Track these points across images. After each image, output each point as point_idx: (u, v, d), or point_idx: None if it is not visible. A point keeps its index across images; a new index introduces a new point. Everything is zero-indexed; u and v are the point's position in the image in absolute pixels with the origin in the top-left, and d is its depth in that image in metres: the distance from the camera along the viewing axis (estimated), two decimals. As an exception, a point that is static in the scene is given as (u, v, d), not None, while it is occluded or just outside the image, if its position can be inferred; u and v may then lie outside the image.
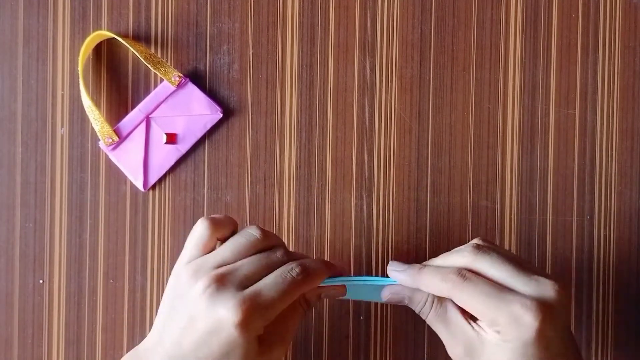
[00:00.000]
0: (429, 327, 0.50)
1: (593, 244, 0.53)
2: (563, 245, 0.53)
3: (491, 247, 0.43)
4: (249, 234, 0.43)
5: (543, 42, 0.54)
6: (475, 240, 0.43)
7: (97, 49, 0.54)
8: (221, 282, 0.40)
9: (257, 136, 0.54)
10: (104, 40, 0.53)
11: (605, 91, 0.54)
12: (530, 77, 0.54)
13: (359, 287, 0.46)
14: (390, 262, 0.45)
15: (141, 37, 0.54)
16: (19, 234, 0.53)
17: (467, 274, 0.41)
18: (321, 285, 0.45)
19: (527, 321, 0.38)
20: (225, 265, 0.42)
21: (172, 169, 0.53)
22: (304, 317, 0.47)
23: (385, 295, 0.45)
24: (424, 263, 0.45)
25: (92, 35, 0.52)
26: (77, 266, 0.53)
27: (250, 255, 0.43)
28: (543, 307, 0.39)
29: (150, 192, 0.53)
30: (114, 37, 0.53)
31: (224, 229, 0.44)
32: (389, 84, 0.54)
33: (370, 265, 0.53)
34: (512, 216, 0.53)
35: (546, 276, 0.41)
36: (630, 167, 0.54)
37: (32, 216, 0.53)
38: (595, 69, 0.54)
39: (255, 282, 0.41)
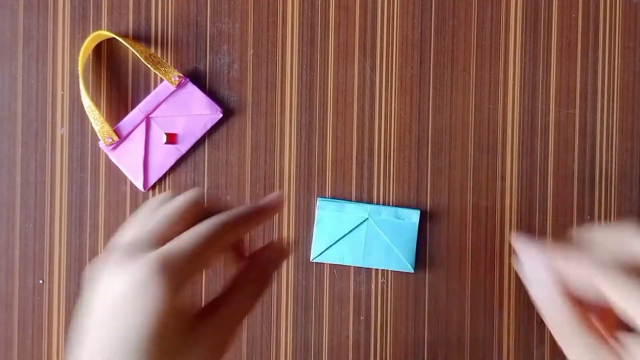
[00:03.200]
0: (429, 327, 0.50)
1: (593, 244, 0.53)
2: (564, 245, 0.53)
3: None
4: (181, 203, 0.36)
5: (543, 42, 0.54)
6: None
7: (97, 49, 0.54)
8: (131, 249, 0.33)
9: (257, 136, 0.54)
10: (104, 40, 0.53)
11: (605, 91, 0.54)
12: (530, 77, 0.54)
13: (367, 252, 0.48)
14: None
15: (141, 37, 0.54)
16: (19, 234, 0.53)
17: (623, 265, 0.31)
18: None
19: None
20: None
21: (172, 169, 0.53)
22: (256, 298, 0.37)
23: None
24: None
25: (92, 35, 0.52)
26: (77, 266, 0.53)
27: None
28: None
29: (150, 192, 0.53)
30: (114, 37, 0.53)
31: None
32: (389, 84, 0.54)
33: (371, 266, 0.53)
34: (512, 216, 0.53)
35: None
36: (630, 167, 0.54)
37: (32, 216, 0.53)
38: (595, 69, 0.54)
39: (170, 237, 0.34)
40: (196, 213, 0.35)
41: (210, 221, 0.34)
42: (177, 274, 0.32)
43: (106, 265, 0.33)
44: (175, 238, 0.33)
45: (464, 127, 0.54)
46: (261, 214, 0.37)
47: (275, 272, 0.41)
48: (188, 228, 0.34)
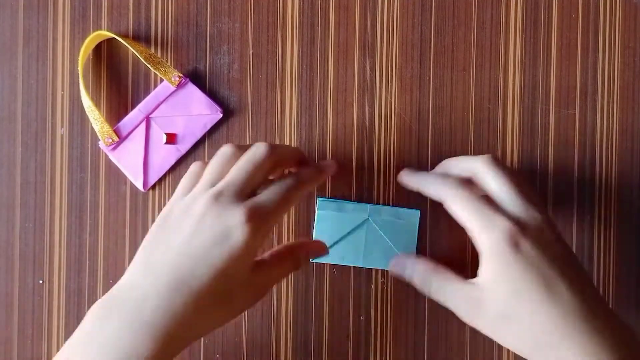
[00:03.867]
0: (429, 327, 0.51)
1: (593, 244, 0.53)
2: (563, 245, 0.53)
3: (503, 165, 0.45)
4: (258, 156, 0.44)
5: (543, 42, 0.54)
6: (492, 156, 0.45)
7: (97, 49, 0.54)
8: (218, 197, 0.41)
9: (257, 136, 0.54)
10: (104, 40, 0.53)
11: (605, 91, 0.54)
12: (530, 77, 0.54)
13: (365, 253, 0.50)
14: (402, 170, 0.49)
15: (141, 37, 0.54)
16: (19, 234, 0.53)
17: (464, 184, 0.44)
18: (310, 244, 0.50)
19: (501, 225, 0.41)
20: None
21: (172, 169, 0.53)
22: (289, 271, 0.48)
23: (391, 265, 0.48)
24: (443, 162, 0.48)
25: (92, 35, 0.52)
26: (77, 266, 0.53)
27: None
28: (521, 220, 0.42)
29: (150, 192, 0.53)
30: (114, 37, 0.53)
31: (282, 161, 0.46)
32: (389, 84, 0.54)
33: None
34: (512, 216, 0.53)
35: (538, 208, 0.43)
36: (630, 167, 0.54)
37: (32, 216, 0.53)
38: (595, 69, 0.54)
39: (250, 190, 0.43)
40: (269, 166, 0.43)
41: (287, 182, 0.43)
42: (259, 225, 0.40)
43: (198, 204, 0.41)
44: (261, 194, 0.42)
45: (464, 127, 0.54)
46: (322, 174, 0.48)
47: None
48: (263, 179, 0.44)
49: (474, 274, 0.43)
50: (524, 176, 0.52)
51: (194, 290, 0.39)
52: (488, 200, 0.43)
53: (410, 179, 0.48)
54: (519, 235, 0.41)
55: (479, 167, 0.44)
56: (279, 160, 0.45)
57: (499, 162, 0.44)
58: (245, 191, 0.42)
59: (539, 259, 0.41)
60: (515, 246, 0.41)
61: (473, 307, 0.42)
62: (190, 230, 0.41)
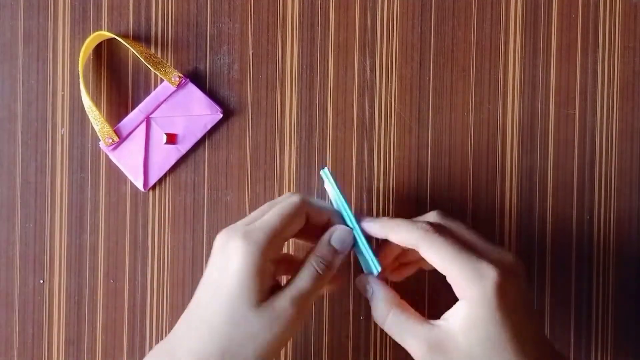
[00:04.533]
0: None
1: (593, 244, 0.53)
2: (563, 245, 0.53)
3: (442, 231, 0.43)
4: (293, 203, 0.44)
5: (543, 42, 0.54)
6: (429, 224, 0.43)
7: (97, 49, 0.54)
8: (230, 229, 0.43)
9: (257, 136, 0.54)
10: (104, 40, 0.53)
11: (605, 91, 0.54)
12: (530, 77, 0.54)
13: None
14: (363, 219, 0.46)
15: (141, 38, 0.54)
16: (19, 234, 0.53)
17: (438, 227, 0.42)
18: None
19: (491, 275, 0.40)
20: None
21: (172, 169, 0.53)
22: (321, 279, 0.44)
23: (356, 281, 0.47)
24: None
25: (92, 35, 0.52)
26: (77, 266, 0.53)
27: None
28: (504, 267, 0.41)
29: (150, 192, 0.53)
30: (114, 38, 0.53)
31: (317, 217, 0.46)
32: (389, 84, 0.54)
33: (370, 265, 0.53)
34: (512, 216, 0.53)
35: (505, 250, 0.44)
36: (630, 167, 0.54)
37: (32, 216, 0.53)
38: (595, 69, 0.54)
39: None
40: (300, 217, 0.44)
41: (283, 205, 0.43)
42: (253, 241, 0.41)
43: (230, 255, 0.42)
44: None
45: (464, 127, 0.54)
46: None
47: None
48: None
49: (430, 314, 0.44)
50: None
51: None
52: (465, 244, 0.42)
53: (375, 227, 0.45)
54: (507, 284, 0.40)
55: (434, 218, 0.44)
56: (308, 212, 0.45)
57: (435, 228, 0.43)
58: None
59: (518, 310, 0.41)
60: (503, 297, 0.40)
61: (433, 351, 0.41)
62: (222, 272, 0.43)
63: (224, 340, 0.41)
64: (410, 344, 0.42)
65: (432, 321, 0.42)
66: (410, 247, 0.43)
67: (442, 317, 0.42)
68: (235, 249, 0.41)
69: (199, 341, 0.41)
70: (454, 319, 0.41)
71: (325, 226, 0.45)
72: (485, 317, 0.40)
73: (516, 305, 0.41)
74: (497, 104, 0.54)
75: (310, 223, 0.45)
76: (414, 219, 0.45)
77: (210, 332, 0.41)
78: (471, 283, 0.40)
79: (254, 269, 0.41)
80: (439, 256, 0.41)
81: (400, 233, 0.43)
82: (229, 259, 0.41)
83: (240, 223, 0.44)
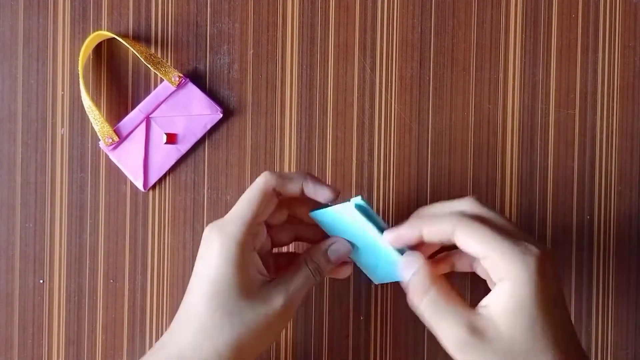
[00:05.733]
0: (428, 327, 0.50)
1: (593, 243, 0.53)
2: (563, 245, 0.53)
3: (487, 205, 0.42)
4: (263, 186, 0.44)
5: (543, 42, 0.54)
6: (474, 197, 0.42)
7: (97, 49, 0.54)
8: (213, 223, 0.43)
9: (257, 136, 0.54)
10: (104, 40, 0.53)
11: (605, 91, 0.54)
12: (530, 77, 0.54)
13: (367, 253, 0.44)
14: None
15: (141, 37, 0.54)
16: (19, 234, 0.53)
17: (471, 215, 0.40)
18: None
19: (534, 251, 0.38)
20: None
21: (172, 169, 0.53)
22: (313, 281, 0.45)
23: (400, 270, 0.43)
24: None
25: (92, 35, 0.52)
26: (77, 266, 0.53)
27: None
28: (544, 249, 0.39)
29: (150, 192, 0.53)
30: (114, 37, 0.53)
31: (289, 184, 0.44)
32: (389, 84, 0.54)
33: (370, 265, 0.53)
34: (512, 216, 0.53)
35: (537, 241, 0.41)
36: (630, 167, 0.54)
37: (32, 216, 0.53)
38: (595, 69, 0.54)
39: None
40: (268, 196, 0.44)
41: (249, 191, 0.43)
42: (227, 234, 0.42)
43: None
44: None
45: (464, 127, 0.54)
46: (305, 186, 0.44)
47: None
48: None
49: (473, 273, 0.43)
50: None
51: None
52: (503, 230, 0.39)
53: (403, 229, 0.42)
54: (548, 265, 0.38)
55: (471, 208, 0.41)
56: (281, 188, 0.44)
57: (484, 203, 0.41)
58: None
59: (557, 298, 0.39)
60: (544, 278, 0.38)
61: (471, 338, 0.38)
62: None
63: (213, 330, 0.41)
64: (446, 329, 0.39)
65: (472, 308, 0.40)
66: (445, 240, 0.40)
67: (480, 304, 0.39)
68: (214, 243, 0.42)
69: (188, 333, 0.42)
70: (496, 304, 0.38)
71: (302, 196, 0.44)
72: (529, 296, 0.37)
73: (555, 291, 0.39)
74: (497, 104, 0.54)
75: (285, 197, 0.45)
76: (447, 202, 0.43)
77: (200, 323, 0.42)
78: (514, 260, 0.37)
79: (233, 260, 0.42)
80: (478, 239, 0.39)
81: (436, 225, 0.40)
82: (211, 253, 0.42)
83: (224, 217, 0.44)
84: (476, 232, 0.39)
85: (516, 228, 0.40)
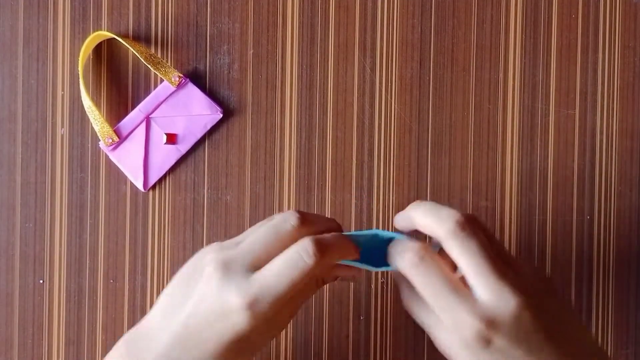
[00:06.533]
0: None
1: (593, 244, 0.53)
2: (563, 245, 0.53)
3: (474, 231, 0.37)
4: (284, 225, 0.39)
5: (543, 42, 0.54)
6: (462, 218, 0.37)
7: (97, 49, 0.54)
8: (228, 266, 0.38)
9: (257, 136, 0.54)
10: (104, 40, 0.53)
11: (605, 91, 0.54)
12: (530, 77, 0.54)
13: (370, 251, 0.42)
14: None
15: (141, 37, 0.54)
16: (19, 234, 0.53)
17: (425, 256, 0.37)
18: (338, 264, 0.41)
19: (467, 334, 0.36)
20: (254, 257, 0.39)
21: (172, 169, 0.53)
22: (315, 292, 0.44)
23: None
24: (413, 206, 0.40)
25: (92, 35, 0.52)
26: (77, 266, 0.53)
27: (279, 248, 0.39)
28: (490, 322, 0.36)
29: (150, 192, 0.53)
30: (114, 38, 0.53)
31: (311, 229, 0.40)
32: (389, 84, 0.54)
33: (370, 265, 0.53)
34: (512, 216, 0.53)
35: (517, 285, 0.37)
36: (630, 167, 0.54)
37: (32, 216, 0.53)
38: (595, 69, 0.54)
39: (266, 261, 0.38)
40: (293, 237, 0.39)
41: (302, 253, 0.37)
42: (262, 313, 0.37)
43: (207, 265, 0.39)
44: (271, 267, 0.38)
45: (464, 127, 0.54)
46: (346, 253, 0.40)
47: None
48: (283, 249, 0.38)
49: None
50: (498, 241, 0.42)
51: (202, 350, 0.39)
52: (455, 277, 0.37)
53: (398, 218, 0.40)
54: (491, 334, 0.36)
55: (442, 234, 0.37)
56: (309, 233, 0.39)
57: (467, 225, 0.37)
58: (258, 264, 0.38)
59: (513, 354, 0.36)
60: (487, 344, 0.36)
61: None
62: (199, 293, 0.39)
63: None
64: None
65: None
66: (434, 236, 0.38)
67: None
68: (241, 319, 0.37)
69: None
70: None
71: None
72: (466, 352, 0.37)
73: (516, 351, 0.37)
74: (497, 104, 0.54)
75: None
76: (432, 211, 0.39)
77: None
78: (450, 332, 0.37)
79: (266, 330, 0.39)
80: (421, 292, 0.37)
81: (426, 218, 0.38)
82: (230, 319, 0.38)
83: (241, 259, 0.39)
84: (423, 284, 0.37)
85: (485, 270, 0.37)
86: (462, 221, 0.37)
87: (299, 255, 0.38)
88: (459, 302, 0.36)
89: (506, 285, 0.36)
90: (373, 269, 0.41)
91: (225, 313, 0.38)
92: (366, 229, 0.42)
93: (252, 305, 0.37)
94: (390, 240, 0.40)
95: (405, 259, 0.37)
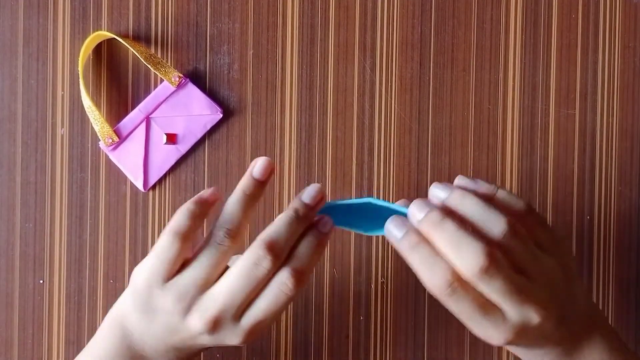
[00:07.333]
0: (429, 327, 0.50)
1: (593, 244, 0.53)
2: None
3: (497, 270, 0.37)
4: (217, 244, 0.41)
5: (543, 42, 0.54)
6: (486, 260, 0.36)
7: (97, 49, 0.54)
8: (218, 323, 0.40)
9: (257, 136, 0.54)
10: (104, 40, 0.53)
11: (605, 91, 0.54)
12: (530, 77, 0.54)
13: (361, 213, 0.41)
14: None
15: (141, 37, 0.54)
16: (19, 234, 0.53)
17: (458, 288, 0.37)
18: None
19: (496, 343, 0.39)
20: (206, 283, 0.40)
21: (172, 169, 0.53)
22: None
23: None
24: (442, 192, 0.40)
25: (92, 35, 0.52)
26: (77, 266, 0.53)
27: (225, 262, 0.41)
28: (517, 335, 0.38)
29: (150, 192, 0.53)
30: (114, 38, 0.53)
31: (190, 242, 0.42)
32: (389, 84, 0.54)
33: (370, 264, 0.53)
34: (512, 216, 0.53)
35: (539, 301, 0.38)
36: (630, 167, 0.54)
37: (32, 216, 0.53)
38: (595, 69, 0.54)
39: (248, 305, 0.40)
40: (269, 277, 0.40)
41: (284, 285, 0.39)
42: (256, 337, 0.40)
43: (190, 327, 0.40)
44: (259, 303, 0.40)
45: (464, 127, 0.54)
46: (321, 244, 0.41)
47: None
48: (262, 289, 0.40)
49: None
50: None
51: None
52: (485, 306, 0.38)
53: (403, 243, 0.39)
54: (517, 341, 0.39)
55: (467, 276, 0.37)
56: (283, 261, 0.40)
57: (491, 266, 0.36)
58: (242, 311, 0.40)
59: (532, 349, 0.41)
60: (513, 346, 0.41)
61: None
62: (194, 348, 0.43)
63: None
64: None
65: None
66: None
67: None
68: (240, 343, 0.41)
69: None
70: None
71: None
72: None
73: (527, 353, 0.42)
74: (497, 104, 0.54)
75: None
76: (483, 217, 0.38)
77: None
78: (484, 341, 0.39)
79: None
80: (455, 313, 0.38)
81: (422, 278, 0.38)
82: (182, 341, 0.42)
83: (229, 312, 0.40)
84: (454, 309, 0.38)
85: (514, 290, 0.37)
86: (485, 265, 0.36)
87: (280, 291, 0.39)
88: (489, 326, 0.38)
89: (531, 306, 0.38)
90: (365, 233, 0.42)
91: (182, 338, 0.41)
92: (358, 197, 0.42)
93: (248, 340, 0.40)
94: (383, 208, 0.40)
95: (436, 287, 0.37)
